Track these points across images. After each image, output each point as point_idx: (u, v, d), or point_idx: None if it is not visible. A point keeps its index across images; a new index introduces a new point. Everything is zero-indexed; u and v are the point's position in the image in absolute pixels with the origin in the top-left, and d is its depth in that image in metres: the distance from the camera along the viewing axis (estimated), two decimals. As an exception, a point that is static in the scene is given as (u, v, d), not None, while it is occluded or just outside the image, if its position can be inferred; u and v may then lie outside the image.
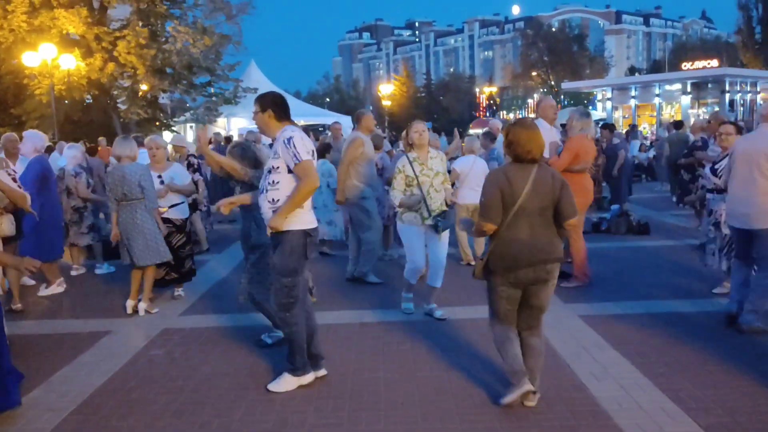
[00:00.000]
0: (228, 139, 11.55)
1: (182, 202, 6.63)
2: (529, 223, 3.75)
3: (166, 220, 6.34)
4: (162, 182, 6.44)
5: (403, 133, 6.04)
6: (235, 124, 25.82)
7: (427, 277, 5.88)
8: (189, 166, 9.07)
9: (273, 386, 4.30)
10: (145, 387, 4.45)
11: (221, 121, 25.73)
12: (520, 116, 68.19)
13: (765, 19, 48.07)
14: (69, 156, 7.88)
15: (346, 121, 25.37)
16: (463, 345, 5.06)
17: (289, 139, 4.09)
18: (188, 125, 27.65)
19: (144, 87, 22.68)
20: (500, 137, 10.57)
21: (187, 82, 24.22)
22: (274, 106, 4.27)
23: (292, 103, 27.89)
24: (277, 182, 4.17)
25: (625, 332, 5.24)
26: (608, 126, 13.13)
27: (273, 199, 4.18)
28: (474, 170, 7.67)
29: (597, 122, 36.21)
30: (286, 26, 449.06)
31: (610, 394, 4.05)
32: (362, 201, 7.05)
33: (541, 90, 65.79)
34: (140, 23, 21.80)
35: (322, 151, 8.82)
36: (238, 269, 8.27)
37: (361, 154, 6.97)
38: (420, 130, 5.68)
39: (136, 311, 6.15)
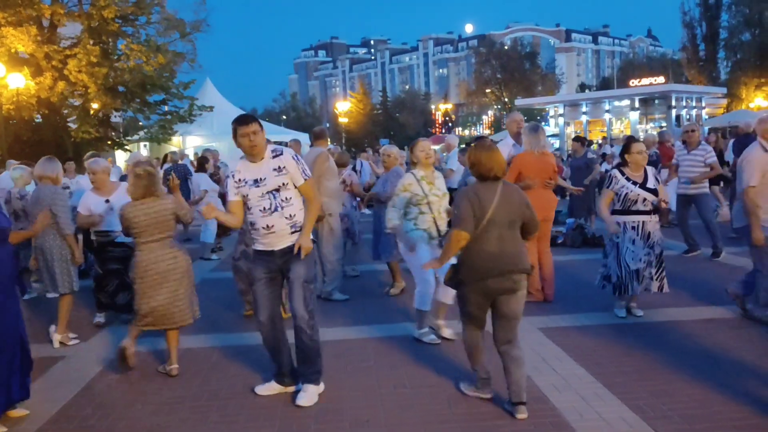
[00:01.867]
0: (203, 160, 10.88)
1: None
2: (498, 236, 3.96)
3: (120, 245, 6.14)
4: (111, 206, 6.07)
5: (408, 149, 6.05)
6: (191, 142, 25.50)
7: (436, 292, 5.49)
8: None
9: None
10: (103, 413, 4.33)
11: (176, 140, 25.38)
12: (476, 133, 69.26)
13: (709, 37, 49.94)
14: (15, 177, 7.63)
15: (303, 138, 25.35)
16: (426, 361, 5.07)
17: (297, 156, 4.40)
18: (142, 144, 27.19)
19: (95, 105, 22.26)
20: (454, 152, 10.83)
21: (141, 101, 23.84)
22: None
23: (249, 121, 27.91)
24: (290, 198, 4.33)
25: (584, 343, 5.33)
26: (579, 139, 13.06)
27: (290, 215, 4.32)
28: None
29: (549, 137, 37.00)
30: (241, 44, 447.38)
31: (572, 405, 4.11)
32: (328, 217, 7.03)
33: (495, 107, 66.85)
34: (91, 41, 21.40)
35: None
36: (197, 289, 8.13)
37: (327, 168, 7.00)
38: (427, 149, 5.56)
39: (61, 344, 5.84)
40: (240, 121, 4.28)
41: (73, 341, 5.92)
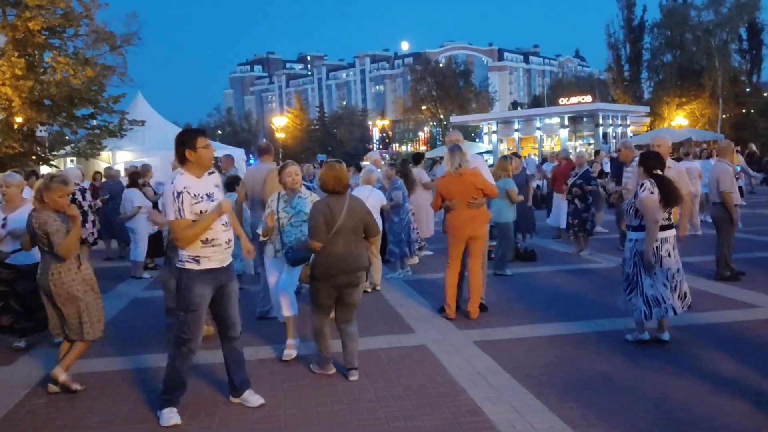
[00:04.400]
0: (135, 176, 10.46)
1: None
2: (344, 240, 4.87)
3: (7, 266, 5.91)
4: (3, 225, 5.89)
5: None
6: (121, 157, 24.75)
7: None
8: (73, 201, 8.65)
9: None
10: (26, 440, 4.15)
11: (105, 155, 24.63)
12: (413, 149, 69.95)
13: (632, 58, 52.12)
14: None
15: (238, 154, 25.06)
16: (363, 377, 5.08)
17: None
18: (68, 159, 26.27)
19: (20, 119, 21.41)
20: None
21: (68, 115, 23.04)
22: None
23: (182, 136, 27.31)
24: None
25: (517, 356, 5.46)
26: (506, 158, 13.39)
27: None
28: (370, 201, 7.85)
29: (482, 154, 37.73)
30: (175, 58, 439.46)
31: (505, 416, 4.20)
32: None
33: (431, 123, 67.70)
34: (16, 53, 20.63)
35: (231, 184, 8.72)
36: (126, 310, 7.93)
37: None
38: (293, 173, 5.84)
39: None
40: (203, 133, 4.33)
41: None
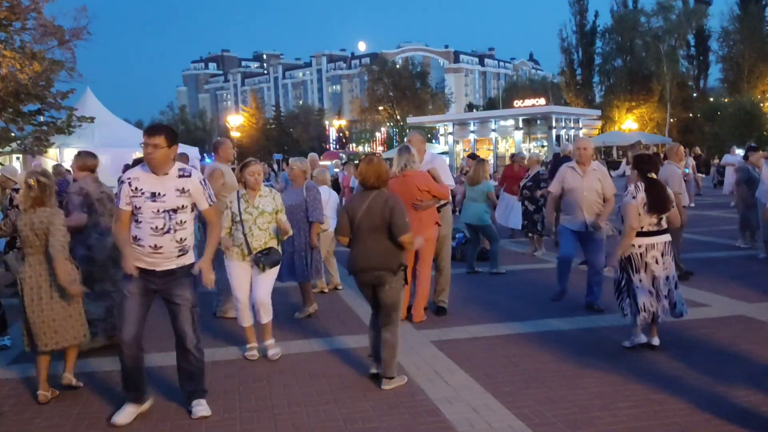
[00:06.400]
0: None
1: None
2: (363, 238, 4.79)
3: None
4: None
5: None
6: (69, 154, 24.03)
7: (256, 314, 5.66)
8: (10, 201, 8.37)
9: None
10: (-32, 448, 3.98)
11: (53, 152, 23.92)
12: (369, 149, 70.02)
13: (584, 63, 53.36)
14: None
15: (193, 152, 24.61)
16: (321, 379, 5.04)
17: (205, 180, 4.32)
18: (14, 156, 25.44)
19: (-38, 115, 20.70)
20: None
21: (14, 110, 22.35)
22: (176, 141, 4.23)
23: (134, 132, 26.70)
24: (185, 222, 4.20)
25: (474, 355, 5.49)
26: (473, 156, 13.51)
27: (181, 239, 4.19)
28: (330, 203, 7.87)
29: (441, 154, 37.84)
30: (127, 54, 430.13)
31: (463, 416, 4.21)
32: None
33: (388, 124, 67.88)
34: (-41, 46, 19.96)
35: None
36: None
37: (224, 185, 6.73)
38: (256, 173, 5.57)
39: None
40: (146, 130, 4.18)
41: None
